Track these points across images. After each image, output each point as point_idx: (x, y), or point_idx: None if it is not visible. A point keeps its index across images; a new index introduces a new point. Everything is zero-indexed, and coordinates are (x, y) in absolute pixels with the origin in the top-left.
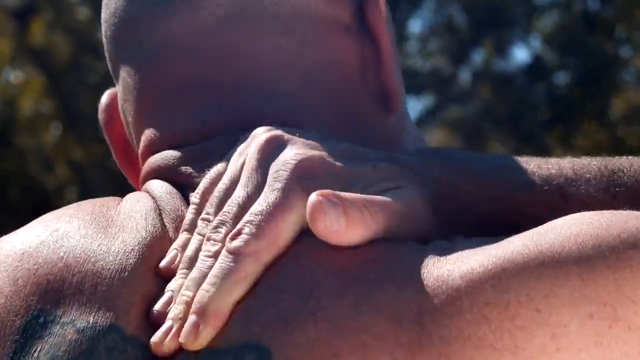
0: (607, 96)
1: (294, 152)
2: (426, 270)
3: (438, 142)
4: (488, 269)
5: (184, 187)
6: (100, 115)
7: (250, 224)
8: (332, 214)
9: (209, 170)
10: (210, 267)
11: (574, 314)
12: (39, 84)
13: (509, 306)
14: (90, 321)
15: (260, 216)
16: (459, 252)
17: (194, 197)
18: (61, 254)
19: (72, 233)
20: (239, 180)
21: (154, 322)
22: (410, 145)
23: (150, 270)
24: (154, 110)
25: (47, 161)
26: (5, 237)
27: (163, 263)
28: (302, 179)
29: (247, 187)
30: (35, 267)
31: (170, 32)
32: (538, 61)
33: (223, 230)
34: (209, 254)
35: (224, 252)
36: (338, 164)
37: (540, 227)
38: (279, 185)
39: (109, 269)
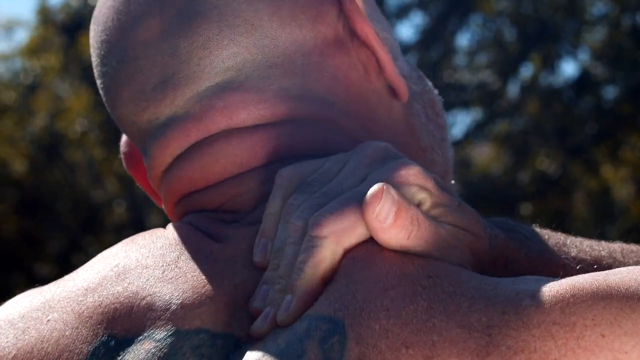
0: None
1: (396, 163)
2: (496, 289)
3: (486, 156)
4: (558, 293)
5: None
6: (122, 156)
7: (332, 208)
8: (386, 205)
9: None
10: (296, 253)
11: (636, 343)
12: (88, 98)
13: (575, 327)
14: (169, 329)
15: (343, 203)
16: (526, 279)
17: (277, 179)
18: (125, 284)
19: (132, 266)
20: (335, 175)
21: (254, 314)
22: (422, 128)
23: (221, 278)
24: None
25: (96, 175)
26: (66, 277)
27: (258, 258)
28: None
29: (347, 182)
30: (99, 299)
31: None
32: (586, 75)
33: (306, 215)
34: (295, 239)
35: (307, 236)
36: (429, 182)
37: (606, 271)
38: (375, 180)
39: (179, 289)
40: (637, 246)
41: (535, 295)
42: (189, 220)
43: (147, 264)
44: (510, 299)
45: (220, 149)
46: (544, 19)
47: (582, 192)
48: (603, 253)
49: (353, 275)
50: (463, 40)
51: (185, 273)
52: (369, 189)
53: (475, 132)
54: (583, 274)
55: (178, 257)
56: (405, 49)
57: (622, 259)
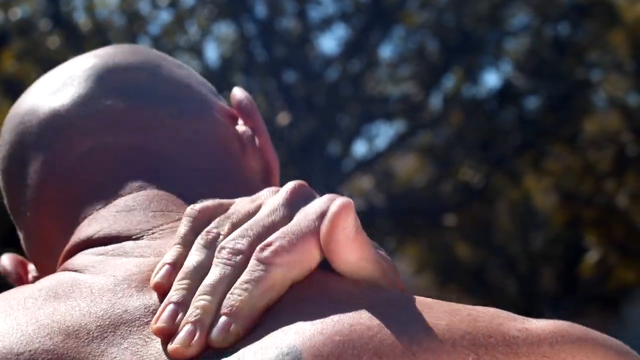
0: (577, 120)
1: (330, 197)
2: (472, 314)
3: (409, 167)
4: (546, 329)
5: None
6: (12, 279)
7: (282, 239)
8: (352, 220)
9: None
10: (229, 275)
11: None
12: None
13: None
14: None
15: (292, 235)
16: (498, 312)
17: (189, 212)
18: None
19: None
20: (255, 213)
21: (162, 336)
22: None
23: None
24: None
25: None
26: None
27: (157, 278)
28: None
29: (272, 216)
30: None
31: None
32: (508, 86)
33: (245, 241)
34: (230, 262)
35: (253, 261)
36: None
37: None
38: (313, 216)
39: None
40: None
41: (521, 328)
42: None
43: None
44: (494, 325)
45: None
46: (466, 31)
47: (505, 203)
48: None
49: (305, 307)
50: (385, 52)
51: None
52: (308, 223)
53: (398, 144)
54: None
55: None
56: (328, 61)
57: None
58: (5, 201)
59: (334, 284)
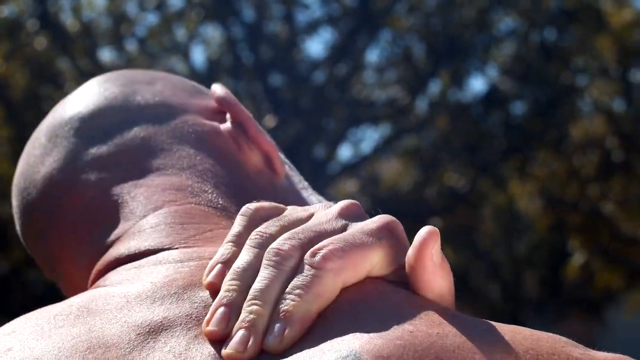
0: (563, 125)
1: (383, 217)
2: (539, 337)
3: (395, 171)
4: (609, 358)
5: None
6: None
7: (334, 244)
8: (439, 247)
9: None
10: (280, 279)
11: None
12: None
13: None
14: None
15: (344, 242)
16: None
17: (244, 211)
18: None
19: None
20: (307, 220)
21: (213, 339)
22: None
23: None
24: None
25: (3, 190)
26: None
27: (210, 278)
28: (392, 236)
29: (325, 225)
30: None
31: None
32: (495, 91)
33: (295, 243)
34: (281, 266)
35: (305, 265)
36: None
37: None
38: (367, 231)
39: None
40: None
41: (583, 353)
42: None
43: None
44: (557, 346)
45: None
46: (453, 35)
47: (490, 207)
48: None
49: (360, 312)
50: (372, 56)
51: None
52: (361, 236)
53: (384, 148)
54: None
55: (89, 319)
56: (315, 64)
57: None
58: (36, 259)
59: (388, 293)
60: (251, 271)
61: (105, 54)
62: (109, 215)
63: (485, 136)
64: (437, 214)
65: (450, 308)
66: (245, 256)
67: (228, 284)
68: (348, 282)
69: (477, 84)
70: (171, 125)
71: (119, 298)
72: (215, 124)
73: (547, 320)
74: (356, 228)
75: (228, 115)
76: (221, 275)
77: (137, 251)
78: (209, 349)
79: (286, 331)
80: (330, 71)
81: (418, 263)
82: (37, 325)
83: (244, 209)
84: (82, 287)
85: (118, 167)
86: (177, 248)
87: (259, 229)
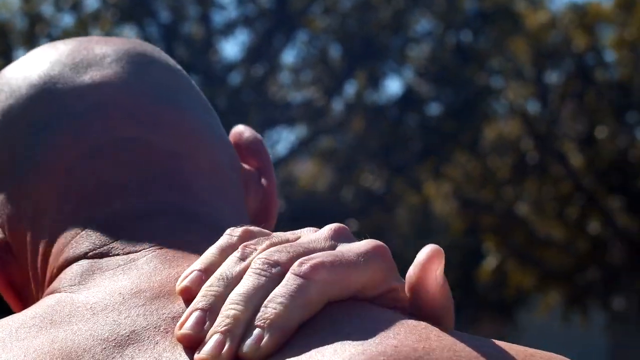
0: (478, 127)
1: (372, 241)
2: (551, 356)
3: (311, 173)
4: None
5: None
6: None
7: (322, 257)
8: (442, 267)
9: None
10: (264, 286)
11: None
12: None
13: None
14: None
15: (333, 257)
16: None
17: (230, 230)
18: None
19: None
20: (297, 237)
21: (186, 343)
22: None
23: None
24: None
25: None
26: None
27: (186, 282)
28: (381, 259)
29: (315, 244)
30: None
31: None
32: (410, 92)
33: (283, 256)
34: (265, 273)
35: (291, 274)
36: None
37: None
38: (358, 250)
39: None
40: None
41: None
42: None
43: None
44: None
45: None
46: (369, 37)
47: (405, 209)
48: None
49: (342, 328)
50: (288, 57)
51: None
52: (350, 254)
53: (299, 149)
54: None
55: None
56: (231, 66)
57: None
58: None
59: (372, 309)
60: (233, 279)
61: (20, 55)
62: (90, 188)
63: (400, 138)
64: (353, 215)
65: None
66: (228, 265)
67: (206, 289)
68: (333, 298)
69: (393, 86)
70: (220, 135)
71: (84, 309)
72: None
73: (461, 322)
74: (345, 248)
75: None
76: (198, 281)
77: (101, 251)
78: (180, 359)
79: (264, 339)
80: (246, 72)
81: (422, 281)
82: None
83: (230, 229)
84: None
85: (144, 123)
86: (146, 254)
87: (247, 242)
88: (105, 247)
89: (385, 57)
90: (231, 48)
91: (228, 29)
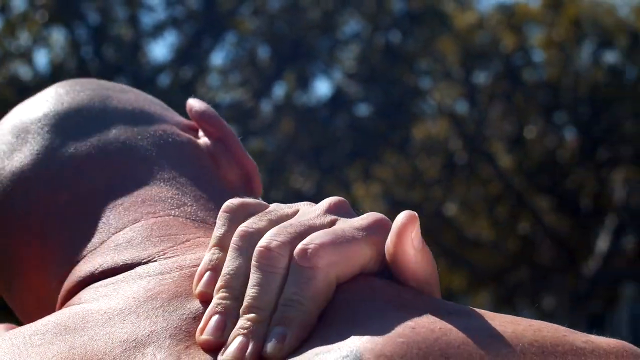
0: (407, 128)
1: (373, 214)
2: (536, 327)
3: None
4: (611, 344)
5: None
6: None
7: (323, 237)
8: (418, 232)
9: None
10: (274, 282)
11: None
12: None
13: None
14: None
15: (334, 235)
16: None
17: (226, 207)
18: None
19: None
20: (292, 215)
21: (209, 348)
22: None
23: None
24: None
25: None
26: None
27: (201, 287)
28: (384, 232)
29: (314, 220)
30: None
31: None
32: (339, 94)
33: (283, 240)
34: (271, 268)
35: (296, 267)
36: None
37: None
38: (357, 226)
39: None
40: None
41: (586, 340)
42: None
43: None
44: (559, 335)
45: None
46: (298, 38)
47: None
48: None
49: (357, 309)
50: (217, 59)
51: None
52: (351, 230)
53: None
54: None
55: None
56: (160, 68)
57: None
58: None
59: (383, 289)
60: (242, 275)
61: None
62: (83, 224)
63: (330, 139)
64: None
65: (439, 297)
66: (233, 259)
67: (220, 291)
68: (342, 277)
69: (322, 87)
70: (150, 132)
71: (99, 315)
72: (191, 137)
73: None
74: (346, 223)
75: (201, 132)
76: (212, 282)
77: (113, 266)
78: (203, 358)
79: (287, 338)
80: (175, 74)
81: (398, 249)
82: (13, 346)
83: (226, 204)
84: (45, 304)
85: (96, 171)
86: (155, 260)
87: (244, 224)
88: (115, 265)
89: (314, 58)
90: (160, 50)
91: (157, 31)
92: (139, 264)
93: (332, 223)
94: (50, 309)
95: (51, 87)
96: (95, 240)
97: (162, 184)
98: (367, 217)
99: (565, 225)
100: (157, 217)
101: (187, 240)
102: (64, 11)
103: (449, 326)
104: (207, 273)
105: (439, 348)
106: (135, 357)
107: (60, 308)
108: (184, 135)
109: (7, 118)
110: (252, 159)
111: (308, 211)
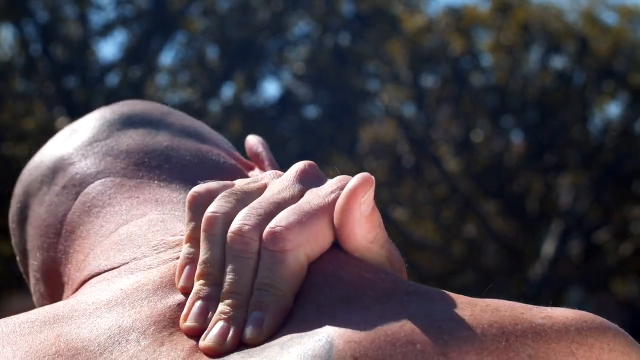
0: (355, 130)
1: (342, 177)
2: (495, 306)
3: None
4: (569, 317)
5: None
6: None
7: (292, 217)
8: (370, 196)
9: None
10: (248, 267)
11: None
12: None
13: (593, 349)
14: None
15: (302, 213)
16: (512, 303)
17: (191, 196)
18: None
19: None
20: (262, 190)
21: (191, 333)
22: None
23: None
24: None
25: None
26: None
27: (182, 283)
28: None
29: (281, 194)
30: None
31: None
32: (288, 95)
33: (253, 222)
34: (245, 253)
35: (266, 251)
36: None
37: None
38: (322, 193)
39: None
40: None
41: (544, 316)
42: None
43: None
44: (517, 314)
45: None
46: (247, 39)
47: None
48: None
49: (327, 290)
50: (166, 58)
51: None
52: (319, 201)
53: None
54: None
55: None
56: (109, 67)
57: None
58: (15, 251)
59: (347, 270)
60: (218, 261)
61: None
62: (100, 216)
63: (278, 140)
64: None
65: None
66: (207, 248)
67: (199, 279)
68: (312, 255)
69: (270, 88)
70: (196, 147)
71: (86, 305)
72: (238, 164)
73: None
74: (313, 194)
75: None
76: (191, 275)
77: (111, 267)
78: (185, 344)
79: (264, 322)
80: (124, 73)
81: (344, 212)
82: (2, 334)
83: (191, 193)
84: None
85: (130, 165)
86: (147, 256)
87: (210, 209)
88: (114, 264)
89: (263, 59)
90: (109, 49)
91: (106, 30)
92: (134, 259)
93: (301, 194)
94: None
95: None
96: (104, 230)
97: (186, 190)
98: (334, 183)
99: (511, 229)
100: (161, 214)
101: (182, 234)
102: (12, 8)
103: (412, 312)
104: (186, 267)
105: (405, 335)
106: (119, 343)
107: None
108: (230, 160)
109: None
110: None
111: (276, 184)
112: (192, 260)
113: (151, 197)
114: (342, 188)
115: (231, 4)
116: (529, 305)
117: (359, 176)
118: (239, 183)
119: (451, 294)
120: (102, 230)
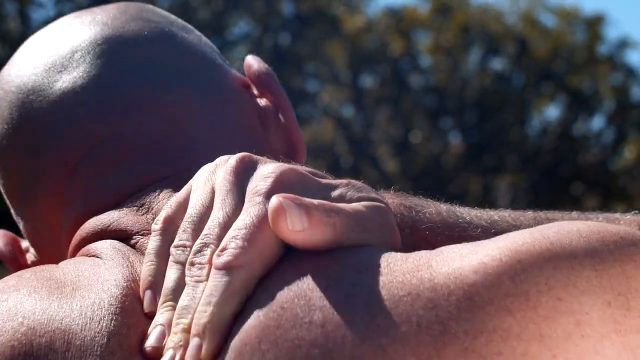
0: None
1: (271, 167)
2: (433, 270)
3: None
4: (502, 261)
5: (123, 239)
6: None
7: (235, 238)
8: (294, 214)
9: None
10: (200, 292)
11: (594, 302)
12: None
13: (529, 296)
14: None
15: (244, 230)
16: (459, 251)
17: (155, 224)
18: (20, 319)
19: (24, 299)
20: (210, 205)
21: (150, 356)
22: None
23: (121, 316)
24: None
25: None
26: None
27: (147, 309)
28: (282, 190)
29: (224, 209)
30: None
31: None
32: None
33: (208, 251)
34: (199, 278)
35: (213, 270)
36: (313, 176)
37: (538, 227)
38: (259, 198)
39: (77, 324)
40: (517, 212)
41: (478, 269)
42: (88, 249)
43: (40, 296)
44: (452, 277)
45: None
46: None
47: None
48: (495, 217)
49: (272, 297)
50: None
51: (81, 309)
52: (257, 211)
53: None
54: (516, 232)
55: (74, 290)
56: None
57: (514, 222)
58: (1, 185)
59: (305, 261)
60: (179, 288)
61: None
62: (108, 174)
63: None
64: None
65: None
66: (171, 274)
67: (161, 305)
68: (262, 271)
69: None
70: (210, 89)
71: (92, 261)
72: (247, 96)
73: None
74: (249, 204)
75: (256, 92)
76: (154, 300)
77: (122, 228)
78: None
79: (203, 347)
80: None
81: (289, 242)
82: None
83: (152, 226)
84: (59, 244)
85: (144, 114)
86: (144, 234)
87: (175, 242)
88: (119, 227)
89: None
90: None
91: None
92: (137, 232)
93: (241, 201)
94: (63, 251)
95: (117, 6)
96: (111, 193)
97: (201, 148)
98: (262, 184)
99: None
100: (179, 182)
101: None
102: None
103: (335, 296)
104: (147, 292)
105: (318, 319)
106: (62, 291)
107: (73, 255)
108: (241, 95)
109: (60, 31)
110: (301, 135)
111: (219, 194)
112: (151, 285)
113: (166, 162)
114: (275, 189)
115: (171, 3)
116: (464, 251)
117: (271, 207)
118: (193, 197)
119: (403, 261)
120: (107, 192)
